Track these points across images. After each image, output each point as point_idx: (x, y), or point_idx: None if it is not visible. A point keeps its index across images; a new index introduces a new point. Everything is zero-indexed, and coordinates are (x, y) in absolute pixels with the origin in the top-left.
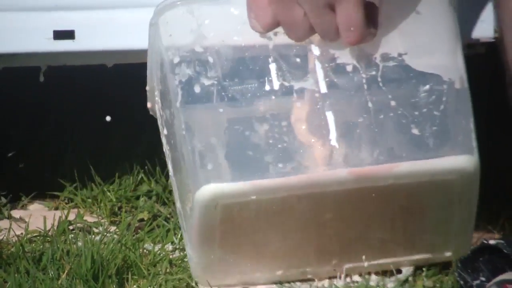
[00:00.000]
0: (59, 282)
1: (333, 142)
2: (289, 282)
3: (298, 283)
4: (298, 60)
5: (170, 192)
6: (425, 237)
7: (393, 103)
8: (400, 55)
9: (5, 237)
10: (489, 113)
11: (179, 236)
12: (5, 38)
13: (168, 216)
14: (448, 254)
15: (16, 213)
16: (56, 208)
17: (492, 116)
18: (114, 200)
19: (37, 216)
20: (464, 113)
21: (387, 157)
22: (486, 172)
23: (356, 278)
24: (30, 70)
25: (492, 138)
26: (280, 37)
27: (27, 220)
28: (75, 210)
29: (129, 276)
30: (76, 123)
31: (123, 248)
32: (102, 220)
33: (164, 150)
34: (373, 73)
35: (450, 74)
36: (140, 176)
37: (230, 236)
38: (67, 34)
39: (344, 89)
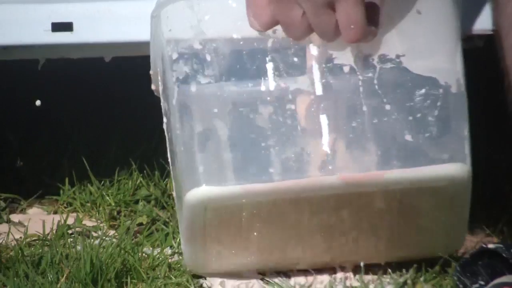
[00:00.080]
0: (58, 286)
1: (325, 147)
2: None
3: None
4: (295, 59)
5: (169, 196)
6: (416, 237)
7: (388, 107)
8: (398, 56)
9: (4, 241)
10: (487, 114)
11: (178, 240)
12: (2, 31)
13: (167, 220)
14: (439, 253)
15: (15, 217)
16: (55, 212)
17: (491, 118)
18: (113, 204)
19: (36, 220)
20: (458, 119)
21: (379, 163)
22: (485, 177)
23: (355, 283)
24: (27, 63)
25: (491, 142)
26: (279, 35)
27: (26, 224)
28: (74, 214)
29: (128, 280)
30: (74, 126)
31: (122, 252)
32: (101, 224)
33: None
34: (370, 75)
35: (447, 78)
36: (139, 181)
37: (220, 233)
38: (65, 26)
39: (339, 91)
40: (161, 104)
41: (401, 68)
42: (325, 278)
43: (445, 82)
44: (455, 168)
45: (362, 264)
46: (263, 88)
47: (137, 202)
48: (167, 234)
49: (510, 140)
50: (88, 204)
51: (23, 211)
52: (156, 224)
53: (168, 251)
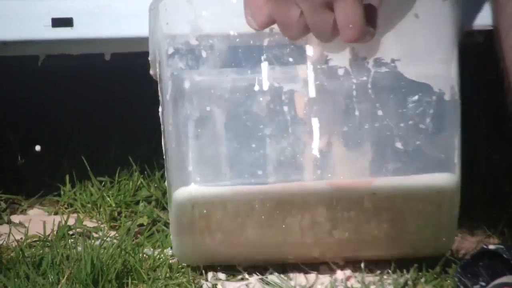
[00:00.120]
0: (59, 287)
1: (315, 151)
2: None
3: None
4: (291, 59)
5: None
6: (403, 237)
7: (380, 112)
8: (393, 61)
9: (4, 242)
10: (488, 114)
11: None
12: (2, 26)
13: (168, 221)
14: (429, 252)
15: (15, 218)
16: (56, 213)
17: (492, 119)
18: (114, 205)
19: (37, 221)
20: (450, 127)
21: (367, 170)
22: (486, 177)
23: (356, 284)
24: (27, 61)
25: (492, 142)
26: (276, 35)
27: (26, 225)
28: (75, 215)
29: (129, 280)
30: (74, 127)
31: (122, 253)
32: (102, 225)
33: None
34: (364, 78)
35: (441, 85)
36: (139, 181)
37: (208, 229)
38: (65, 22)
39: (333, 94)
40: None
41: (396, 73)
42: (326, 279)
43: (439, 89)
44: (443, 178)
45: (362, 265)
46: (256, 88)
47: (137, 203)
48: (167, 235)
49: (510, 141)
50: (89, 205)
51: (23, 212)
52: (156, 225)
53: (169, 252)
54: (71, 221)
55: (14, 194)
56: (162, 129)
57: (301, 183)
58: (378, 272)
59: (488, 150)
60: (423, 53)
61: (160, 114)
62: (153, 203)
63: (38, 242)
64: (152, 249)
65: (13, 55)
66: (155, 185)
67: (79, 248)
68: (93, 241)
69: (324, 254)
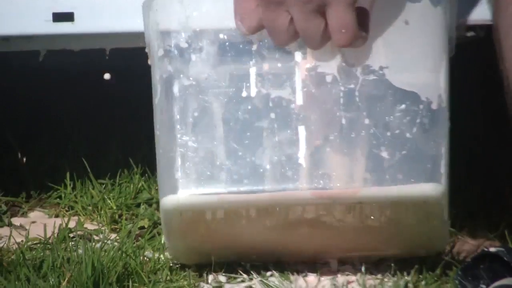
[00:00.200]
0: None
1: (301, 160)
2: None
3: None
4: (279, 65)
5: None
6: (395, 238)
7: (367, 121)
8: (381, 68)
9: (5, 245)
10: (487, 116)
11: None
12: (3, 21)
13: None
14: (422, 251)
15: (16, 221)
16: (57, 216)
17: (493, 120)
18: (115, 207)
19: (38, 223)
20: (436, 137)
21: (353, 180)
22: (486, 180)
23: (357, 287)
24: (28, 60)
25: (492, 144)
26: (265, 40)
27: (27, 227)
28: (76, 217)
29: (130, 283)
30: (74, 129)
31: (123, 255)
32: (103, 228)
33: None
34: (352, 86)
35: (428, 93)
36: (140, 184)
37: (197, 232)
38: (66, 16)
39: (320, 102)
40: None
41: (384, 81)
42: (327, 282)
43: (426, 98)
44: (429, 188)
45: (363, 268)
46: (244, 94)
47: (138, 205)
48: None
49: (510, 143)
50: (90, 208)
51: (24, 214)
52: (157, 228)
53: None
54: (72, 224)
55: (14, 196)
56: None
57: (286, 193)
58: (379, 275)
59: (489, 152)
60: (411, 60)
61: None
62: (154, 205)
63: (38, 245)
64: (153, 252)
65: (13, 50)
66: (156, 188)
67: (80, 251)
68: (94, 243)
69: (315, 254)
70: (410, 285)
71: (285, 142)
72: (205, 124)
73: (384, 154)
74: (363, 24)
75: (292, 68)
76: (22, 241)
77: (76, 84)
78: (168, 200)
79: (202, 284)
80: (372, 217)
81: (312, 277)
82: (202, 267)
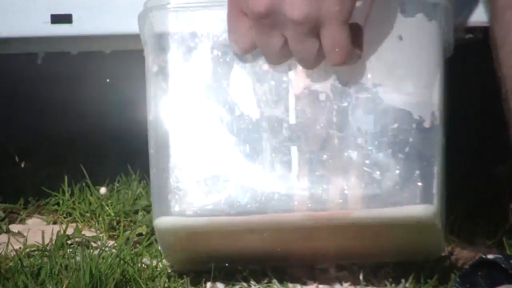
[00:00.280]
0: None
1: (294, 181)
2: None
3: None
4: (273, 82)
5: None
6: (390, 249)
7: (359, 140)
8: (374, 85)
9: (3, 252)
10: (487, 124)
11: None
12: (0, 23)
13: None
14: (419, 257)
15: (14, 228)
16: (55, 223)
17: (491, 126)
18: (113, 214)
19: (36, 230)
20: (428, 156)
21: (346, 201)
22: (485, 187)
23: None
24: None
25: (491, 152)
26: (258, 60)
27: (25, 234)
28: (74, 224)
29: None
30: (73, 136)
31: (121, 262)
32: (101, 235)
33: None
34: (345, 104)
35: (421, 111)
36: (138, 191)
37: (191, 249)
38: (65, 18)
39: (313, 121)
40: None
41: (377, 99)
42: None
43: (419, 116)
44: (420, 209)
45: (361, 276)
46: (237, 112)
47: (136, 212)
48: None
49: (509, 150)
50: (88, 214)
51: (22, 221)
52: (155, 235)
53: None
54: (69, 231)
55: (12, 203)
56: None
57: (279, 215)
58: (377, 283)
59: (488, 159)
60: (405, 77)
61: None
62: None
63: (36, 252)
64: (150, 259)
65: (12, 53)
66: None
67: (78, 258)
68: (92, 250)
69: (312, 260)
70: None
71: (278, 162)
72: (198, 144)
73: (376, 175)
74: (357, 41)
75: (286, 86)
76: (20, 248)
77: (74, 88)
78: (161, 222)
79: None
80: (365, 236)
81: (310, 286)
82: (200, 274)
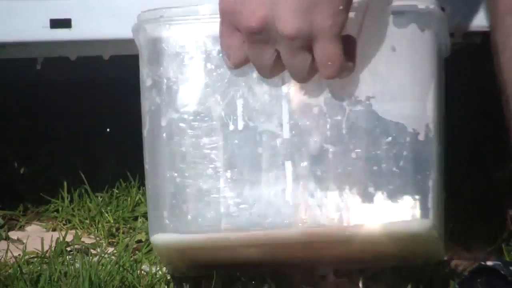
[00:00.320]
0: None
1: (288, 197)
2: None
3: None
4: (266, 96)
5: None
6: (388, 254)
7: (354, 155)
8: (368, 98)
9: (2, 259)
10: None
11: None
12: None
13: None
14: (419, 262)
15: (13, 234)
16: (54, 229)
17: (490, 132)
18: (112, 221)
19: (35, 237)
20: (423, 169)
21: (341, 216)
22: (484, 193)
23: None
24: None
25: (491, 158)
26: (252, 72)
27: (24, 241)
28: (73, 231)
29: None
30: (72, 142)
31: (121, 269)
32: (100, 241)
33: None
34: (339, 117)
35: (415, 124)
36: (137, 197)
37: (188, 260)
38: (64, 23)
39: (307, 135)
40: None
41: (370, 112)
42: None
43: (413, 129)
44: (415, 224)
45: (360, 284)
46: (231, 127)
47: (136, 219)
48: None
49: (509, 156)
50: (87, 221)
51: (21, 228)
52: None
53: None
54: (69, 237)
55: (12, 210)
56: None
57: (274, 232)
58: None
59: (487, 165)
60: (398, 89)
61: None
62: None
63: (36, 259)
64: (150, 266)
65: (11, 57)
66: None
67: (77, 265)
68: (91, 257)
69: (310, 265)
70: None
71: (272, 178)
72: (193, 160)
73: (371, 190)
74: (350, 53)
75: (279, 100)
76: (19, 255)
77: (72, 94)
78: (157, 238)
79: None
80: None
81: None
82: (200, 282)
